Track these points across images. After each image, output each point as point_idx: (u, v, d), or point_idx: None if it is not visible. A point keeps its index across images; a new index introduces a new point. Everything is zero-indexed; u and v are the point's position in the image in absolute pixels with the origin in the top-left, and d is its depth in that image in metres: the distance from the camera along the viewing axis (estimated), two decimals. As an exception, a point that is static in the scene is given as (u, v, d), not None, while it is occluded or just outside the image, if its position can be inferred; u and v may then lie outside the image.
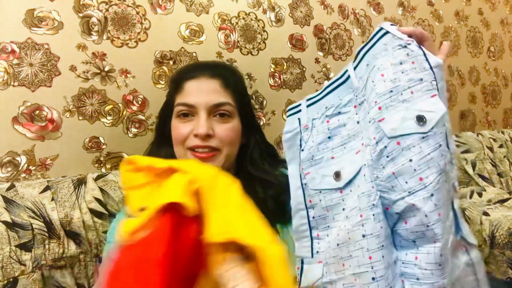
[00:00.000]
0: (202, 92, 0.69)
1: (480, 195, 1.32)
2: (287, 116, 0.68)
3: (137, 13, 1.05)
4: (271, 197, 0.70)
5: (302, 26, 1.34)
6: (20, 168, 0.89)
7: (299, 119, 0.67)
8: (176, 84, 0.73)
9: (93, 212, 0.82)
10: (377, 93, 0.56)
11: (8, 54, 0.89)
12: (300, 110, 0.67)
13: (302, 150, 0.64)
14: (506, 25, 2.03)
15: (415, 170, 0.52)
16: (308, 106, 0.66)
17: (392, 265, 0.52)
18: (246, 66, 1.21)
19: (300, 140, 0.65)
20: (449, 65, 1.77)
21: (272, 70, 1.27)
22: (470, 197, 1.32)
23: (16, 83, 0.89)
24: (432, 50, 0.59)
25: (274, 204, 0.70)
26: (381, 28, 0.60)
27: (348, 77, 0.64)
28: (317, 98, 0.66)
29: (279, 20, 1.29)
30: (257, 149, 0.77)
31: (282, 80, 1.29)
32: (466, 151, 1.55)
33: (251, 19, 1.24)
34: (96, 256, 0.81)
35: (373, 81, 0.58)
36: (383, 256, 0.51)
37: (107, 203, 0.84)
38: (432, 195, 0.50)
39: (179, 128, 0.69)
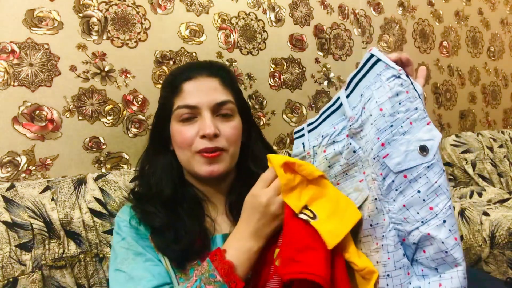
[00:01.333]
0: (203, 91, 0.66)
1: (480, 195, 1.32)
2: (294, 139, 0.71)
3: (137, 13, 1.05)
4: None
5: (302, 26, 1.34)
6: (20, 168, 0.89)
7: (303, 143, 0.69)
8: (172, 87, 0.69)
9: (93, 212, 0.82)
10: (378, 129, 0.57)
11: (8, 54, 0.89)
12: (303, 135, 0.69)
13: None
14: (506, 25, 2.03)
15: (424, 200, 0.53)
16: (309, 131, 0.69)
17: None
18: (246, 66, 1.21)
19: None
20: (449, 65, 1.77)
21: (272, 70, 1.27)
22: (470, 197, 1.32)
23: (16, 83, 0.89)
24: (412, 74, 0.60)
25: None
26: (372, 55, 0.60)
27: (341, 104, 0.64)
28: (315, 124, 0.68)
29: (279, 20, 1.29)
30: (258, 146, 0.77)
31: (282, 80, 1.29)
32: (466, 151, 1.55)
33: (251, 19, 1.24)
34: (96, 256, 0.82)
35: (371, 115, 0.58)
36: (387, 284, 0.54)
37: (107, 203, 0.84)
38: (444, 221, 0.52)
39: (184, 132, 0.66)
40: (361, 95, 0.61)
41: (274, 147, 1.27)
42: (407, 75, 0.58)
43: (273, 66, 1.27)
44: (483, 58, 1.92)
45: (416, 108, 0.56)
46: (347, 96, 0.63)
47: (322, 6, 1.39)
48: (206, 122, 0.64)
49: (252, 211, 0.57)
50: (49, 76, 0.93)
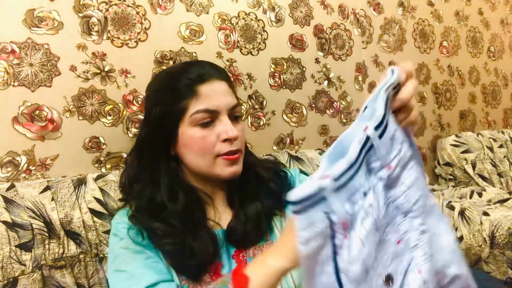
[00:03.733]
0: (220, 95, 0.65)
1: (480, 195, 1.32)
2: (298, 212, 0.37)
3: (137, 13, 1.05)
4: (264, 190, 0.71)
5: (302, 26, 1.34)
6: (20, 168, 0.89)
7: (327, 215, 0.38)
8: (185, 89, 0.65)
9: (93, 212, 0.82)
10: (417, 175, 0.47)
11: (8, 54, 0.89)
12: (323, 199, 0.38)
13: (349, 262, 0.39)
14: (506, 25, 2.03)
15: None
16: (337, 189, 0.39)
17: None
18: (246, 66, 1.22)
19: (335, 247, 0.38)
20: (449, 65, 1.77)
21: (272, 70, 1.27)
22: (470, 197, 1.32)
23: (16, 83, 0.89)
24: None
25: (267, 197, 0.71)
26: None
27: (371, 147, 0.43)
28: (346, 176, 0.39)
29: (279, 20, 1.29)
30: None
31: (282, 80, 1.29)
32: (466, 151, 1.55)
33: (251, 19, 1.24)
34: (96, 256, 0.82)
35: (408, 158, 0.47)
36: None
37: (107, 203, 0.84)
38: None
39: (206, 136, 0.64)
40: (392, 138, 0.45)
41: (274, 147, 1.27)
42: None
43: (273, 66, 1.27)
44: (483, 58, 1.92)
45: None
46: (380, 137, 0.44)
47: (322, 6, 1.39)
48: (228, 126, 0.64)
49: (288, 231, 0.48)
50: (49, 76, 0.93)
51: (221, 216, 0.71)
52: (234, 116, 0.68)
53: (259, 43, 1.25)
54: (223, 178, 0.66)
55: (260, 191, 0.71)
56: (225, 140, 0.64)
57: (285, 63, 1.30)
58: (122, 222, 0.66)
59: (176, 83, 0.66)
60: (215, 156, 0.65)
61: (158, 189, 0.66)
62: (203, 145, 0.64)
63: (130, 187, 0.69)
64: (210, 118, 0.64)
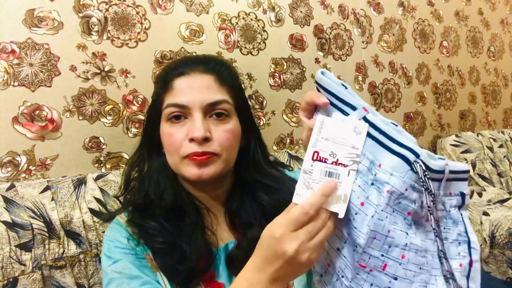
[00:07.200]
0: (195, 89, 0.60)
1: (480, 195, 1.32)
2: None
3: (137, 13, 1.05)
4: (278, 204, 0.64)
5: (302, 26, 1.34)
6: (20, 168, 0.89)
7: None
8: (163, 82, 0.63)
9: (93, 212, 0.82)
10: None
11: (8, 54, 0.89)
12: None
13: None
14: (506, 25, 2.03)
15: None
16: None
17: None
18: (246, 66, 1.21)
19: None
20: (449, 65, 1.77)
21: (272, 70, 1.27)
22: (470, 197, 1.32)
23: (16, 83, 0.89)
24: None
25: (270, 218, 0.67)
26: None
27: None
28: None
29: (279, 20, 1.29)
30: (259, 151, 0.70)
31: (282, 80, 1.29)
32: (466, 151, 1.55)
33: (251, 19, 1.24)
34: (96, 256, 0.81)
35: None
36: None
37: (107, 203, 0.84)
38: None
39: (172, 134, 0.60)
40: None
41: (274, 147, 1.27)
42: None
43: (273, 66, 1.27)
44: (483, 58, 1.92)
45: None
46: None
47: (322, 6, 1.39)
48: (196, 125, 0.58)
49: (273, 257, 0.43)
50: (49, 76, 0.93)
51: (218, 226, 0.66)
52: (217, 113, 0.61)
53: (259, 43, 1.25)
54: (190, 179, 0.61)
55: (264, 212, 0.65)
56: (192, 140, 0.59)
57: (285, 63, 1.30)
58: (114, 240, 0.61)
59: (160, 76, 0.65)
60: (182, 157, 0.60)
61: (151, 183, 0.65)
62: (169, 143, 0.61)
63: (131, 179, 0.69)
64: (180, 113, 0.60)
